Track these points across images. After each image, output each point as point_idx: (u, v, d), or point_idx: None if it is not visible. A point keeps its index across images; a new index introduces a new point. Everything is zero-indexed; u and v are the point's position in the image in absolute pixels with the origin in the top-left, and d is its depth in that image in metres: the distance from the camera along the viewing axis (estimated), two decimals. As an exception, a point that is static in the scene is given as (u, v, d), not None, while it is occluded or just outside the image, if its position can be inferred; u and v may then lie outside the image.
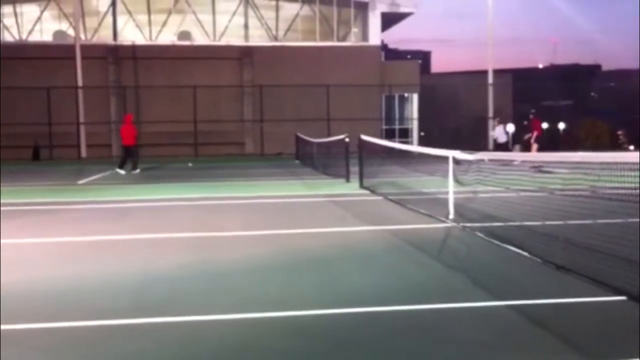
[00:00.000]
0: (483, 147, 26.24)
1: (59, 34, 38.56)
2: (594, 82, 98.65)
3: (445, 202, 10.82)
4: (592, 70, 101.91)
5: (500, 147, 24.95)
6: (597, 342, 4.81)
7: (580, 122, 49.53)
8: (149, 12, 38.24)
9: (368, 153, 17.14)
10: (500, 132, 25.55)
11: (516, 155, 16.36)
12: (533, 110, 24.32)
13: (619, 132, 43.71)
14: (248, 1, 38.51)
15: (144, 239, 9.51)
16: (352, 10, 39.52)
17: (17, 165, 28.61)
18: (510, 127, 27.68)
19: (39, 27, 37.71)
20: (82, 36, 36.32)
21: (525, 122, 23.26)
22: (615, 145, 40.27)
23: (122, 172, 22.07)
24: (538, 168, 16.88)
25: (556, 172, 13.37)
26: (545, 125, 23.71)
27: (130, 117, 23.70)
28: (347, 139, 17.93)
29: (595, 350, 4.66)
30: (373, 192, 15.04)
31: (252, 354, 4.68)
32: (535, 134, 22.85)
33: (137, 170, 22.55)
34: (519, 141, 24.16)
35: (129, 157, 22.86)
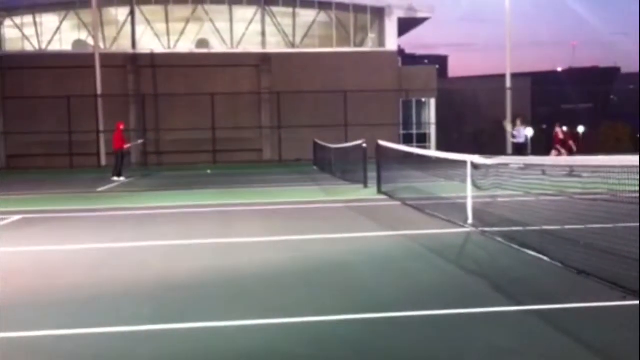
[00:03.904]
0: (502, 151, 26.12)
1: (78, 43, 38.94)
2: (613, 85, 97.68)
3: (464, 207, 10.77)
4: (612, 73, 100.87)
5: (517, 147, 24.93)
6: (618, 347, 4.76)
7: (600, 126, 49.03)
8: (167, 20, 38.52)
9: (386, 158, 17.10)
10: (521, 132, 25.43)
11: (536, 160, 16.22)
12: (558, 124, 24.12)
13: (640, 135, 43.24)
14: (265, 8, 38.67)
15: (163, 245, 9.57)
16: (369, 16, 39.53)
17: (37, 173, 28.89)
18: (529, 131, 27.52)
19: (59, 36, 38.12)
20: (101, 45, 36.66)
21: (559, 135, 23.01)
22: (637, 149, 39.82)
23: (120, 179, 22.40)
24: (569, 172, 16.74)
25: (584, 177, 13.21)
26: (565, 129, 23.43)
27: (120, 124, 23.57)
28: (364, 145, 17.91)
29: (617, 355, 4.61)
30: (391, 197, 15.00)
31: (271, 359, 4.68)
32: (570, 143, 22.89)
33: (116, 178, 22.49)
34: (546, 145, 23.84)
35: (119, 161, 23.02)
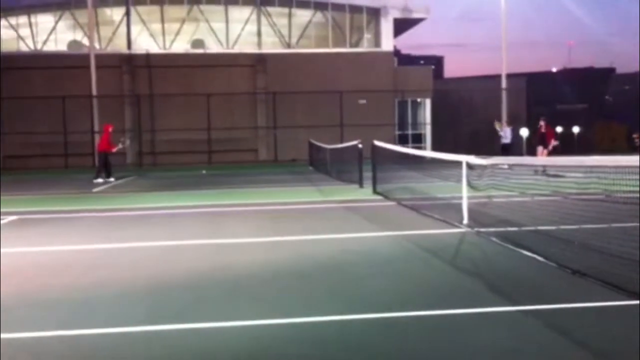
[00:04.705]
0: (497, 152, 26.22)
1: (73, 43, 38.89)
2: (608, 85, 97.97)
3: (459, 207, 10.80)
4: (607, 73, 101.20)
5: (504, 147, 25.27)
6: (614, 346, 4.79)
7: (595, 126, 49.20)
8: (162, 21, 38.48)
9: (381, 158, 17.12)
10: (507, 133, 25.77)
11: (532, 160, 16.34)
12: (544, 117, 24.20)
13: (635, 135, 43.34)
14: (261, 9, 38.68)
15: (159, 246, 9.57)
16: (365, 17, 39.58)
17: (33, 174, 28.84)
18: (524, 132, 27.67)
19: (54, 37, 38.05)
20: (97, 45, 36.59)
21: (542, 128, 23.07)
22: (631, 149, 39.92)
23: (110, 179, 22.22)
24: (543, 171, 16.92)
25: (566, 176, 13.29)
26: (559, 129, 23.62)
27: (107, 127, 23.18)
28: (360, 145, 17.93)
29: (612, 355, 4.64)
30: (387, 197, 15.03)
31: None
32: (551, 140, 22.97)
33: (99, 180, 21.98)
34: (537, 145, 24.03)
35: (102, 163, 22.67)
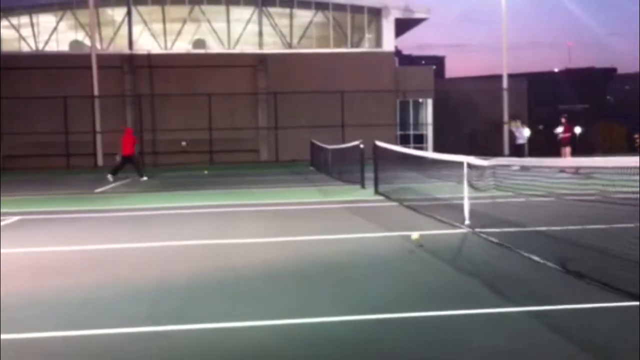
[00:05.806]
0: (498, 152, 26.22)
1: (75, 43, 38.94)
2: (610, 86, 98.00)
3: (460, 208, 10.79)
4: (608, 74, 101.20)
5: (517, 148, 25.24)
6: (613, 348, 4.78)
7: (596, 126, 49.19)
8: (164, 21, 38.52)
9: (383, 159, 17.10)
10: (522, 133, 25.79)
11: (539, 162, 16.26)
12: (565, 115, 24.60)
13: (636, 136, 43.34)
14: (262, 9, 38.69)
15: (161, 246, 9.57)
16: (366, 17, 39.58)
17: (34, 174, 28.85)
18: (527, 132, 27.67)
19: (56, 37, 38.10)
20: (98, 46, 36.64)
21: (561, 127, 23.34)
22: (632, 149, 39.89)
23: (110, 177, 22.44)
24: (575, 172, 16.79)
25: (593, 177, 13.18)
26: (560, 130, 23.73)
27: (130, 130, 24.04)
28: (361, 145, 17.92)
29: (611, 356, 4.63)
30: (388, 198, 15.02)
31: (268, 360, 4.70)
32: (568, 135, 23.22)
33: (145, 178, 23.07)
34: (549, 141, 24.32)
35: (131, 165, 23.24)
